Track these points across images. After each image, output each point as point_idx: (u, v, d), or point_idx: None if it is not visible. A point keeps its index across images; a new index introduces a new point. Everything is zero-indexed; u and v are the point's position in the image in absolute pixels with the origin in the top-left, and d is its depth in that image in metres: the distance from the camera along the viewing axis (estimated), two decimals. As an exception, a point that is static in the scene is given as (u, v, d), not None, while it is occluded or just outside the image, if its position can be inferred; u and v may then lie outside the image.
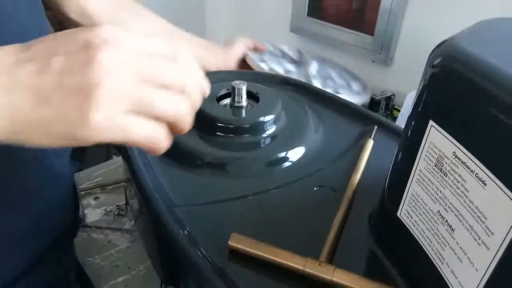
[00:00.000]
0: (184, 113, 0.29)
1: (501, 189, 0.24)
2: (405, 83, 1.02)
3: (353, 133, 0.55)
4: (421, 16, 0.95)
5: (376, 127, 0.55)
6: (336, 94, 0.68)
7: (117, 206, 0.67)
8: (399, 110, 1.02)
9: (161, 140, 0.28)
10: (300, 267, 0.34)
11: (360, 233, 0.40)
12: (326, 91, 0.65)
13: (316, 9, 1.11)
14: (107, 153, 1.49)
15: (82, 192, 0.68)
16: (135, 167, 0.45)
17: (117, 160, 0.79)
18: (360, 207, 0.43)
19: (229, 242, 0.36)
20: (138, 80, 0.25)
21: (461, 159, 0.27)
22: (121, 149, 0.50)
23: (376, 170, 0.48)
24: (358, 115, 0.59)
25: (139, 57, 0.26)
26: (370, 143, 0.52)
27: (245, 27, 1.34)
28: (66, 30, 0.26)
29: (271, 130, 0.51)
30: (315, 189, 0.45)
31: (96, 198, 0.68)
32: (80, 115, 0.23)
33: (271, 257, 0.35)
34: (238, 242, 0.36)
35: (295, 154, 0.49)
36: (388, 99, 1.05)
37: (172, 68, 0.27)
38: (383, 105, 1.05)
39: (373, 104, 1.03)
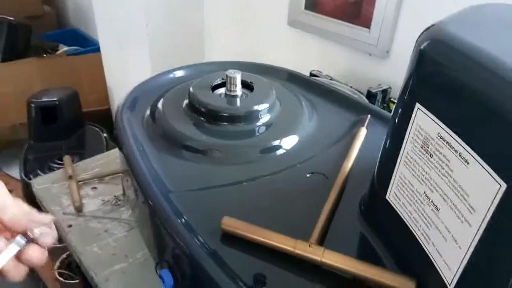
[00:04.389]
0: None
1: (483, 166, 0.25)
2: (402, 76, 1.02)
3: (346, 122, 0.56)
4: (418, 9, 0.95)
5: (369, 116, 0.55)
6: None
7: (114, 196, 0.67)
8: (395, 103, 1.02)
9: None
10: (290, 248, 0.35)
11: (351, 218, 0.41)
12: (321, 82, 0.65)
13: (313, 3, 1.11)
14: (106, 145, 1.50)
15: (81, 183, 0.69)
16: (131, 155, 0.46)
17: (114, 152, 0.79)
18: (351, 193, 0.43)
19: (222, 225, 0.37)
20: None
21: (445, 140, 0.28)
22: (117, 139, 0.51)
23: (368, 157, 0.49)
24: (352, 105, 0.59)
25: None
26: (363, 132, 0.52)
27: (243, 21, 1.34)
28: None
29: (265, 118, 0.52)
30: (307, 175, 0.46)
31: (94, 188, 0.69)
32: None
33: (262, 238, 0.36)
34: (230, 225, 0.37)
35: (289, 142, 0.50)
36: (385, 92, 1.06)
37: None
38: (379, 97, 1.05)
39: (370, 96, 1.03)
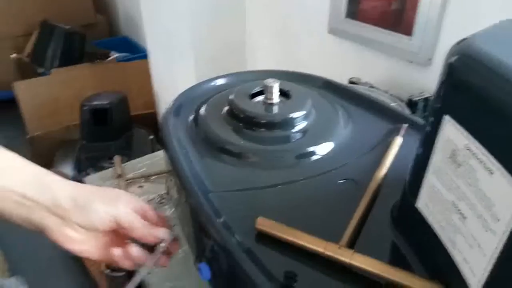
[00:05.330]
0: None
1: (506, 177, 0.26)
2: (444, 84, 1.00)
3: (382, 131, 0.57)
4: (462, 16, 0.93)
5: (406, 125, 0.56)
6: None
7: (159, 195, 0.72)
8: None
9: None
10: (321, 249, 0.37)
11: (382, 224, 0.42)
12: (357, 90, 0.67)
13: (354, 11, 1.11)
14: (152, 147, 1.58)
15: (128, 181, 0.74)
16: (175, 157, 0.50)
17: (160, 154, 0.84)
18: (384, 201, 0.44)
19: (256, 225, 0.40)
20: None
21: (472, 150, 0.29)
22: (162, 141, 0.55)
23: (403, 167, 0.49)
24: (389, 114, 0.60)
25: None
26: (398, 141, 0.53)
27: (283, 29, 1.37)
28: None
29: (301, 125, 0.54)
30: (340, 182, 0.47)
31: (140, 187, 0.74)
32: None
33: (294, 239, 0.38)
34: (264, 225, 0.40)
35: (323, 148, 0.52)
36: (426, 100, 1.04)
37: None
38: (420, 106, 1.04)
39: (411, 105, 1.02)
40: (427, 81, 1.09)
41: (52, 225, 0.37)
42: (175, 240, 0.41)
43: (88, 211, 0.37)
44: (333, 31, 1.18)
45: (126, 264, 0.40)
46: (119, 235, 0.40)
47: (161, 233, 0.40)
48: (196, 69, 1.47)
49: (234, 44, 1.49)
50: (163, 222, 0.42)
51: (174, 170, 0.49)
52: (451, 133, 0.31)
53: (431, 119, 0.35)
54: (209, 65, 1.46)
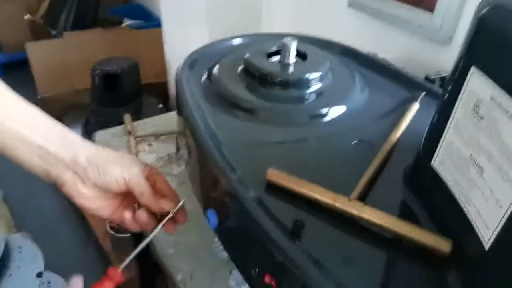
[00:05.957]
0: None
1: (532, 125, 0.25)
2: (462, 63, 0.98)
3: (399, 98, 0.56)
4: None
5: (424, 93, 0.55)
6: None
7: (167, 154, 0.72)
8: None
9: None
10: (330, 201, 0.36)
11: (393, 183, 0.41)
12: (378, 57, 0.65)
13: (376, -16, 1.08)
14: (160, 108, 1.58)
15: (138, 138, 0.75)
16: (189, 112, 0.49)
17: (169, 115, 0.84)
18: (396, 163, 0.44)
19: (267, 176, 0.39)
20: None
21: (497, 101, 0.28)
22: (176, 94, 0.54)
23: (417, 132, 0.48)
24: (406, 82, 0.59)
25: None
26: (415, 106, 0.52)
27: (302, 1, 1.34)
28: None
29: (316, 86, 0.53)
30: (354, 142, 0.47)
31: (149, 145, 0.74)
32: None
33: (303, 190, 0.38)
34: (274, 176, 0.39)
35: (337, 110, 0.51)
36: (443, 79, 1.02)
37: None
38: (437, 85, 1.02)
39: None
40: (446, 60, 1.06)
41: (68, 180, 0.38)
42: (182, 211, 0.42)
43: (104, 171, 0.38)
44: (353, 4, 1.15)
45: (133, 227, 0.41)
46: (129, 198, 0.42)
47: (166, 204, 0.40)
48: (210, 39, 1.45)
49: (249, 15, 1.47)
50: (171, 193, 0.42)
51: (188, 122, 0.48)
52: (476, 85, 0.30)
53: (456, 73, 0.34)
54: (224, 36, 1.44)
